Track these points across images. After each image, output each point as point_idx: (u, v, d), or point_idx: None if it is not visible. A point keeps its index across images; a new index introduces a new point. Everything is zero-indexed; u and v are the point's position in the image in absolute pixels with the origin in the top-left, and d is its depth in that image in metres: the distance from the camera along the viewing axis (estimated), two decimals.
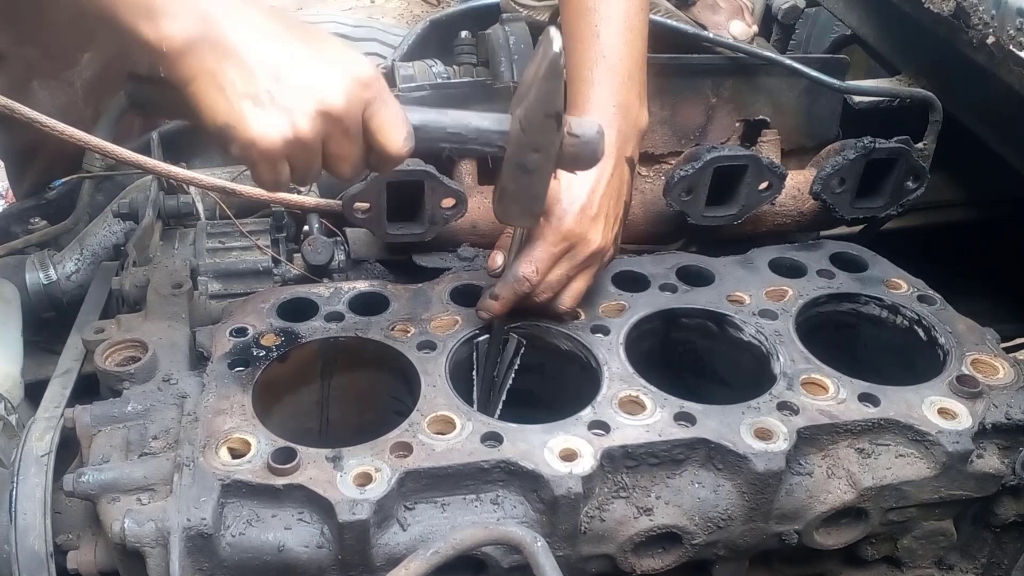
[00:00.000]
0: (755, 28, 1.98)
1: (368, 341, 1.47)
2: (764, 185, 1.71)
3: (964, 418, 1.37)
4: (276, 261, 1.71)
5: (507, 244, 1.51)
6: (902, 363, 1.58)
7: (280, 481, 1.22)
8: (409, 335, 1.47)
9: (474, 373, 1.49)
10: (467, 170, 1.77)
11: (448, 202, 1.63)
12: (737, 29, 1.94)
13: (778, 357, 1.46)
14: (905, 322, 1.59)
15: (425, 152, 1.34)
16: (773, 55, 1.84)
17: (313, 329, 1.48)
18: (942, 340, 1.52)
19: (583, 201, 1.46)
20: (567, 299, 1.49)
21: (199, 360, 1.48)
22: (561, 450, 1.28)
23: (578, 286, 1.50)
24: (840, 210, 1.76)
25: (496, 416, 1.40)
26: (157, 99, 1.26)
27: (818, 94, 1.86)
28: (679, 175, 1.66)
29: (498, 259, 1.52)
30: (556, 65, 1.21)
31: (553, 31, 1.22)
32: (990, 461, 1.39)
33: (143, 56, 1.18)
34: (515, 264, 1.45)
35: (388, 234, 1.65)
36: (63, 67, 2.09)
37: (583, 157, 1.32)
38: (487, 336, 1.49)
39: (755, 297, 1.59)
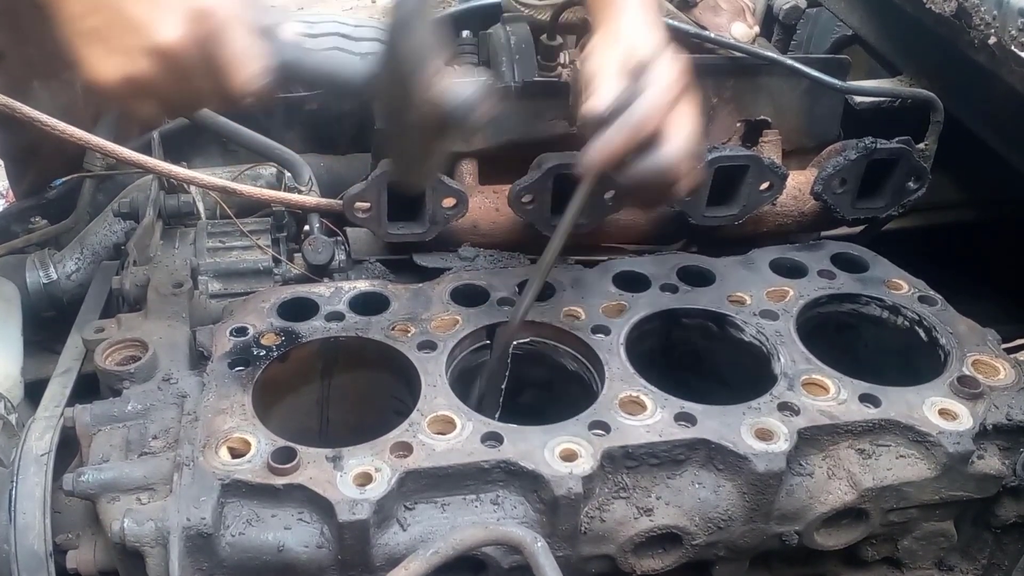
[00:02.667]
0: (756, 29, 1.98)
1: (368, 341, 1.47)
2: (765, 185, 1.71)
3: (965, 419, 1.37)
4: (276, 260, 1.70)
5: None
6: (903, 364, 1.58)
7: (280, 481, 1.22)
8: (409, 335, 1.47)
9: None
10: (468, 170, 1.77)
11: (449, 202, 1.63)
12: (739, 31, 1.93)
13: (779, 357, 1.46)
14: (906, 323, 1.59)
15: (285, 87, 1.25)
16: (774, 55, 1.83)
17: (313, 329, 1.48)
18: (943, 341, 1.52)
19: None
20: (678, 138, 1.30)
21: (199, 359, 1.47)
22: (561, 450, 1.27)
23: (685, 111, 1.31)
24: (841, 210, 1.75)
25: (496, 417, 1.40)
26: None
27: (819, 94, 1.85)
28: None
29: None
30: (404, 17, 1.09)
31: None
32: (991, 462, 1.38)
33: None
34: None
35: (389, 234, 1.65)
36: (64, 67, 2.09)
37: (449, 127, 1.17)
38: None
39: (756, 297, 1.59)
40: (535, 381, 1.56)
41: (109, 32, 1.11)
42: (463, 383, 1.44)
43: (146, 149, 1.78)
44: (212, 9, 1.12)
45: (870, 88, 2.01)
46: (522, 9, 1.88)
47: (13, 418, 1.54)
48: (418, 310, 1.52)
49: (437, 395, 1.36)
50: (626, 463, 1.30)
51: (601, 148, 1.31)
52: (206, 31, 1.12)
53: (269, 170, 2.00)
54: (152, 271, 1.64)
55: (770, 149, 1.82)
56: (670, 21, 1.82)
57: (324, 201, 1.72)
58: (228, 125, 1.94)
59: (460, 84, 1.19)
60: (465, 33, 1.93)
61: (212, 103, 1.22)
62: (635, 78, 1.30)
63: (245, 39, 1.16)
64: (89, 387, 1.48)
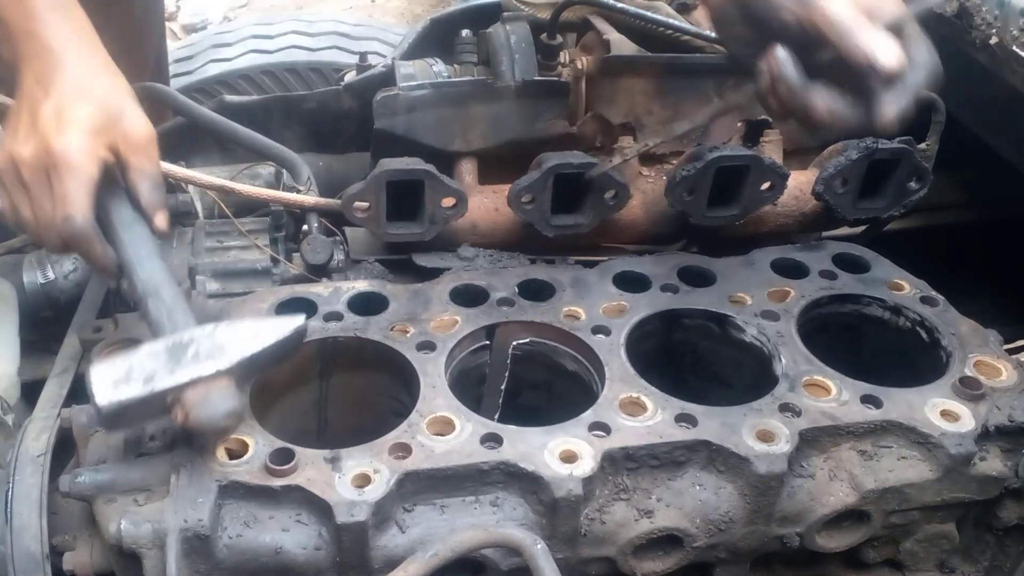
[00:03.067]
0: None
1: (367, 341, 1.46)
2: (766, 185, 1.71)
3: (967, 420, 1.37)
4: (275, 260, 1.70)
5: None
6: (904, 365, 1.57)
7: (278, 482, 1.21)
8: (408, 335, 1.46)
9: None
10: (468, 169, 1.77)
11: (448, 201, 1.63)
12: None
13: (780, 358, 1.46)
14: (908, 323, 1.58)
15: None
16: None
17: (312, 329, 1.47)
18: (945, 342, 1.51)
19: None
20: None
21: None
22: (561, 452, 1.27)
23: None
24: (842, 211, 1.75)
25: (495, 418, 1.39)
26: None
27: None
28: (681, 175, 1.65)
29: None
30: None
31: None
32: (993, 464, 1.38)
33: None
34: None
35: (388, 233, 1.64)
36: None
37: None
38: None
39: (757, 298, 1.58)
40: (535, 382, 1.56)
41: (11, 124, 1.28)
42: (462, 384, 1.44)
43: None
44: (69, 150, 1.25)
45: None
46: (522, 7, 1.88)
47: (10, 419, 1.53)
48: (417, 310, 1.52)
49: (436, 396, 1.35)
50: (626, 464, 1.29)
51: (901, 106, 1.23)
52: (49, 164, 1.25)
53: (267, 169, 2.00)
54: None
55: (771, 149, 1.82)
56: (650, 14, 1.82)
57: (323, 200, 1.72)
58: (226, 124, 1.93)
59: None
60: (465, 32, 1.92)
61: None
62: (897, 35, 1.23)
63: (78, 190, 1.26)
64: (86, 388, 1.47)
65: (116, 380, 1.16)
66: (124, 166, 1.31)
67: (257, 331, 1.23)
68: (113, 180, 1.32)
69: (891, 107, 1.23)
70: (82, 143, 1.26)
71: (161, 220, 1.33)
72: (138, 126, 1.32)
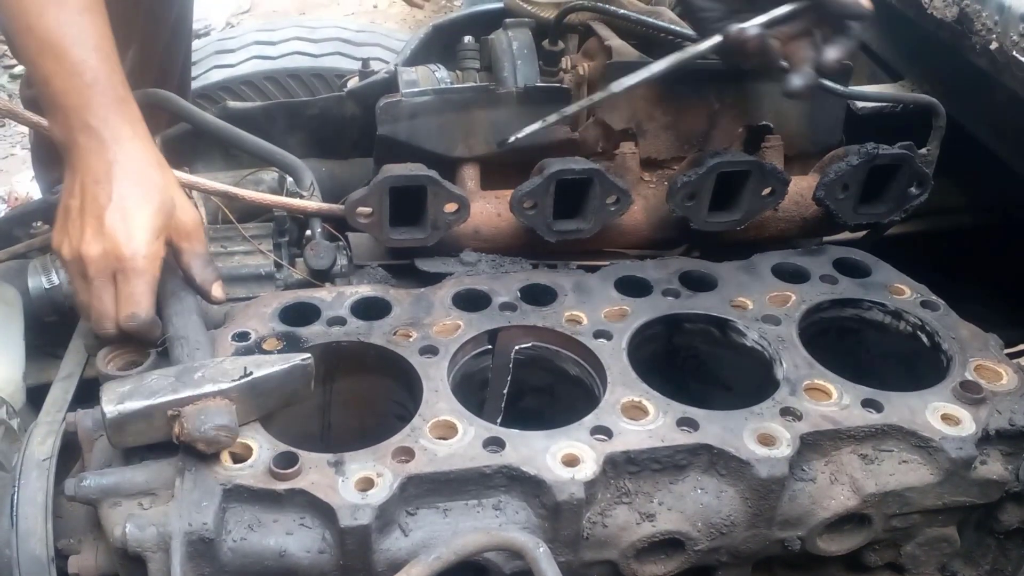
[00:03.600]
0: None
1: (370, 346, 1.47)
2: (767, 191, 1.71)
3: (968, 424, 1.37)
4: (278, 265, 1.71)
5: None
6: (905, 369, 1.58)
7: (282, 486, 1.21)
8: (411, 340, 1.47)
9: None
10: (470, 175, 1.77)
11: (451, 207, 1.63)
12: None
13: (781, 362, 1.46)
14: (908, 328, 1.59)
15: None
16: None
17: (315, 333, 1.48)
18: (945, 346, 1.52)
19: None
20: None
21: None
22: (563, 455, 1.27)
23: None
24: (843, 216, 1.75)
25: (498, 422, 1.40)
26: None
27: (821, 100, 1.85)
28: (682, 180, 1.66)
29: None
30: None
31: None
32: (993, 467, 1.38)
33: None
34: None
35: (390, 239, 1.65)
36: None
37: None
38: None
39: (758, 302, 1.59)
40: (537, 386, 1.56)
41: (73, 219, 1.37)
42: (465, 388, 1.44)
43: None
44: (136, 255, 1.36)
45: (872, 93, 2.01)
46: (527, 6, 1.89)
47: (15, 423, 1.54)
48: (420, 315, 1.52)
49: (439, 400, 1.36)
50: (628, 468, 1.30)
51: (848, 47, 1.50)
52: (116, 267, 1.36)
53: (271, 175, 2.00)
54: None
55: (772, 155, 1.82)
56: (634, 15, 1.83)
57: (326, 206, 1.72)
58: (230, 130, 1.94)
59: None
60: (467, 38, 1.93)
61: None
62: None
63: (144, 289, 1.37)
64: (91, 392, 1.47)
65: (123, 393, 1.24)
66: (178, 251, 1.45)
67: (260, 362, 1.30)
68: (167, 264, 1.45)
69: (840, 50, 1.49)
70: (149, 250, 1.37)
71: (218, 291, 1.47)
72: (189, 216, 1.45)
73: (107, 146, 1.37)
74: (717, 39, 1.53)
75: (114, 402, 1.22)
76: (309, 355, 1.32)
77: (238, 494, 1.22)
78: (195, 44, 2.75)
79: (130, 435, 1.25)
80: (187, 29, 2.49)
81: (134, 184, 1.38)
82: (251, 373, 1.27)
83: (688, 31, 1.81)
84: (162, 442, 1.26)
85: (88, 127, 1.37)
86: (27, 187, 4.09)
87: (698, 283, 1.63)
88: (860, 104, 1.97)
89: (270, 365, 1.29)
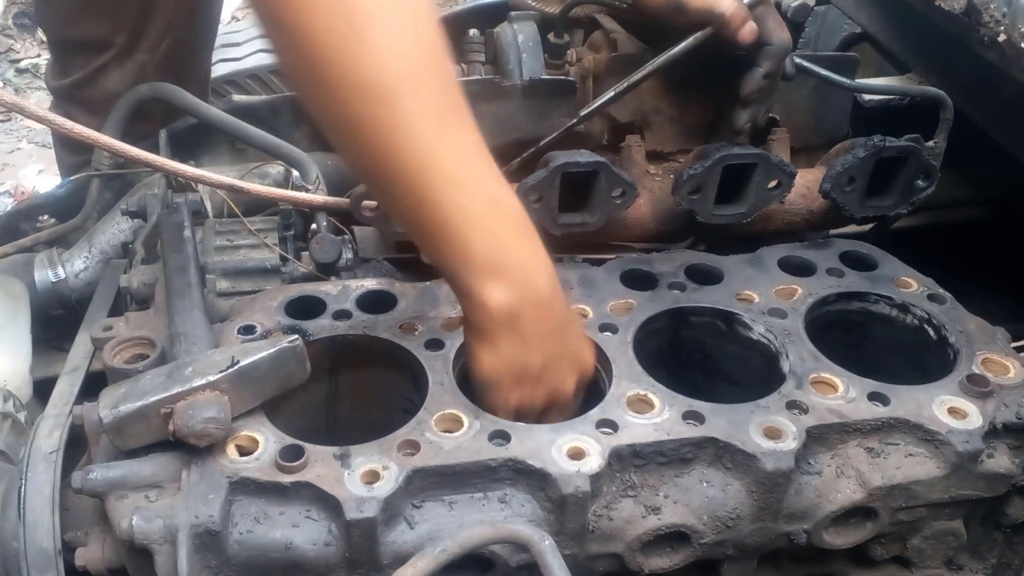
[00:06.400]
0: None
1: (376, 339, 1.47)
2: (773, 183, 1.71)
3: (974, 418, 1.37)
4: (284, 259, 1.71)
5: None
6: (912, 362, 1.57)
7: (288, 479, 1.22)
8: (417, 333, 1.47)
9: None
10: None
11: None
12: None
13: (787, 356, 1.46)
14: (915, 321, 1.59)
15: None
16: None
17: (321, 327, 1.48)
18: (952, 339, 1.51)
19: None
20: None
21: None
22: (569, 448, 1.27)
23: None
24: (850, 209, 1.75)
25: None
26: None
27: (828, 92, 1.85)
28: (688, 173, 1.66)
29: None
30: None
31: None
32: (1000, 461, 1.38)
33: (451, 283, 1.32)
34: None
35: (396, 232, 1.65)
36: (146, 49, 2.16)
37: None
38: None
39: (764, 296, 1.58)
40: None
41: (526, 380, 1.33)
42: (470, 381, 1.44)
43: (154, 148, 1.78)
44: (571, 394, 1.37)
45: (879, 86, 2.00)
46: (531, 1, 1.88)
47: (22, 416, 1.54)
48: (425, 308, 1.52)
49: (444, 393, 1.36)
50: (634, 461, 1.30)
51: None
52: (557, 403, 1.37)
53: (276, 168, 2.00)
54: (160, 269, 1.64)
55: (778, 147, 1.82)
56: None
57: (331, 199, 1.72)
58: (236, 124, 1.94)
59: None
60: (472, 31, 1.93)
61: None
62: None
63: None
64: (98, 385, 1.48)
65: (118, 397, 1.24)
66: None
67: (248, 350, 1.29)
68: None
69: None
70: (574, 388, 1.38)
71: None
72: (589, 354, 1.41)
73: (548, 299, 1.31)
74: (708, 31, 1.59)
75: (110, 406, 1.23)
76: (297, 336, 1.31)
77: (244, 487, 1.22)
78: None
79: (131, 437, 1.25)
80: (216, 20, 2.49)
81: (565, 341, 1.36)
82: (238, 362, 1.26)
83: None
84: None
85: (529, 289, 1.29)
86: (33, 181, 4.10)
87: (704, 276, 1.63)
88: (867, 97, 1.96)
89: (257, 351, 1.28)
